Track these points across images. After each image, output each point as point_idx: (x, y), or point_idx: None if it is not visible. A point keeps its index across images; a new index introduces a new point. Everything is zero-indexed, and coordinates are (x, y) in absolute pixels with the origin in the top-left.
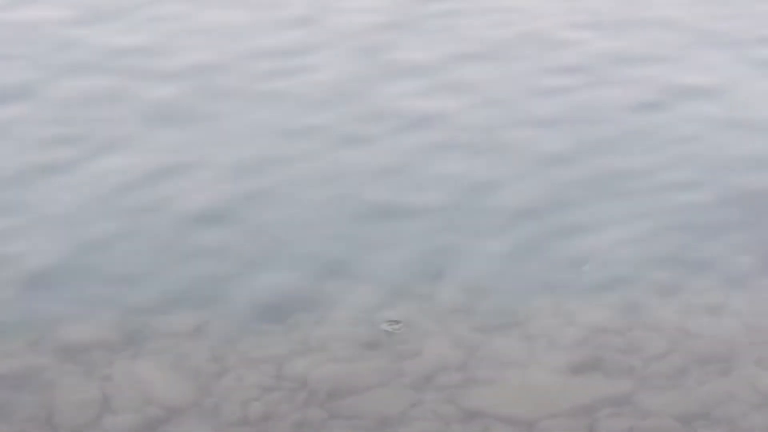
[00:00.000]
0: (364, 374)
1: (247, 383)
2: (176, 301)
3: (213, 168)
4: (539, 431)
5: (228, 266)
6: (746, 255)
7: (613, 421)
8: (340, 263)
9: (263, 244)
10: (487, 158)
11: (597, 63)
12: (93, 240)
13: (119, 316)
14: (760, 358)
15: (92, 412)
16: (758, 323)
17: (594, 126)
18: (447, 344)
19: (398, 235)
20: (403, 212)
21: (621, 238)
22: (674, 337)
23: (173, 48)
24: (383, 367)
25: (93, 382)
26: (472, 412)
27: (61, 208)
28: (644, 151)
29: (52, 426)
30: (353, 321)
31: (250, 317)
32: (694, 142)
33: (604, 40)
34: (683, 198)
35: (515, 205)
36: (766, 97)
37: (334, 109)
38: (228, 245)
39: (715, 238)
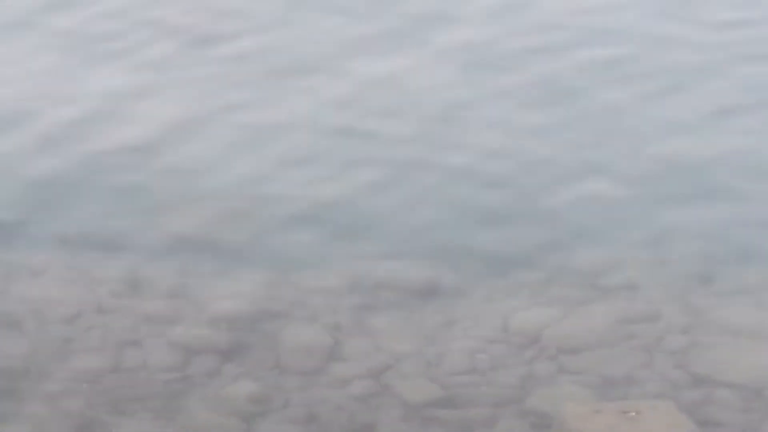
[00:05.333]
0: (594, 332)
1: (473, 334)
2: (405, 252)
3: None
4: (765, 399)
5: (454, 220)
6: None
7: None
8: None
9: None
10: None
11: None
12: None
13: (351, 265)
14: None
15: (320, 358)
16: None
17: None
18: (678, 308)
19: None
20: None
21: None
22: None
23: None
24: (613, 327)
25: (322, 329)
26: (699, 377)
27: None
28: None
29: (281, 369)
30: (580, 281)
31: (478, 270)
32: None
33: None
34: None
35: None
36: None
37: None
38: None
39: None
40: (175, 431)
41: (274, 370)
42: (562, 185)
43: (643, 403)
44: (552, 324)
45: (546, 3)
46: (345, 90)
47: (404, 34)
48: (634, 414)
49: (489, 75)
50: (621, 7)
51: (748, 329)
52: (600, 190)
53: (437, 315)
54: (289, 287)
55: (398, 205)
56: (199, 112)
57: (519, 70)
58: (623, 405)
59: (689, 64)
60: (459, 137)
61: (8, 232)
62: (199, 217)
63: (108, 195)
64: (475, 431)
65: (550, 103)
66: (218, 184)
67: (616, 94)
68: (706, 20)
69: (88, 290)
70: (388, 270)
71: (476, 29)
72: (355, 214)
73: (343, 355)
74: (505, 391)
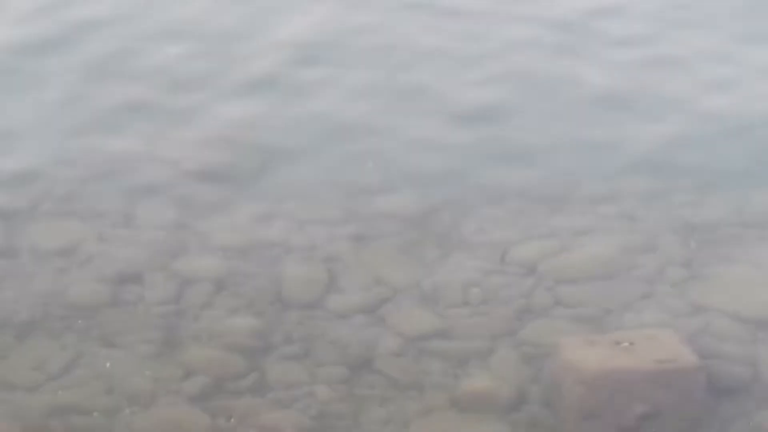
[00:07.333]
0: (591, 263)
1: (470, 266)
2: (402, 183)
3: None
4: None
5: (451, 151)
6: None
7: None
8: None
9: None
10: None
11: None
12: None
13: (343, 196)
14: None
15: (317, 291)
16: None
17: None
18: (677, 239)
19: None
20: None
21: None
22: None
23: None
24: (611, 258)
25: (320, 261)
26: (700, 307)
27: None
28: None
29: (281, 301)
30: (578, 211)
31: (477, 201)
32: None
33: None
34: None
35: None
36: None
37: None
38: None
39: None
40: (172, 365)
41: (271, 304)
42: (554, 115)
43: (639, 334)
44: (549, 255)
45: None
46: None
47: None
48: (627, 345)
49: None
50: None
51: (750, 260)
52: (596, 119)
53: (434, 247)
54: (286, 219)
55: (393, 136)
56: None
57: None
58: (617, 336)
59: None
60: (447, 70)
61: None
62: (198, 148)
63: (110, 123)
64: (471, 363)
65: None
66: (215, 115)
67: None
68: None
69: (87, 222)
70: (385, 201)
71: None
72: (351, 145)
73: (340, 288)
74: (501, 323)
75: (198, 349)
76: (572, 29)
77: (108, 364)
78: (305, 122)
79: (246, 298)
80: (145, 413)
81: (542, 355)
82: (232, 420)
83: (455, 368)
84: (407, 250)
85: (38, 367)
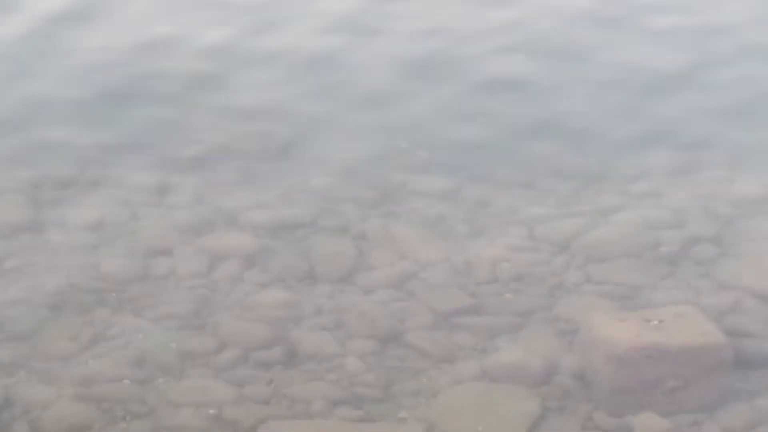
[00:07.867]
0: (620, 241)
1: (500, 243)
2: (433, 160)
3: None
4: None
5: (481, 130)
6: None
7: None
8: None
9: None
10: None
11: None
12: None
13: (374, 174)
14: None
15: (348, 266)
16: None
17: None
18: (704, 217)
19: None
20: None
21: None
22: None
23: None
24: (640, 236)
25: (349, 238)
26: (727, 285)
27: None
28: None
29: (311, 277)
30: (612, 191)
31: (506, 179)
32: None
33: None
34: None
35: None
36: None
37: None
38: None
39: None
40: (203, 337)
41: (301, 278)
42: (585, 96)
43: (668, 311)
44: (579, 233)
45: None
46: None
47: None
48: (657, 322)
49: None
50: None
51: None
52: (625, 98)
53: (464, 224)
54: (315, 196)
55: (425, 114)
56: None
57: None
58: (647, 313)
59: None
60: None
61: (36, 141)
62: (226, 126)
63: (138, 105)
64: (502, 337)
65: None
66: (244, 96)
67: None
68: None
69: (118, 197)
70: (416, 178)
71: None
72: (383, 122)
73: (370, 264)
74: (531, 300)
75: (229, 322)
76: None
77: (140, 336)
78: (334, 94)
79: (276, 273)
80: (176, 383)
81: (572, 330)
82: (273, 385)
83: (486, 342)
84: (437, 227)
85: (72, 338)
